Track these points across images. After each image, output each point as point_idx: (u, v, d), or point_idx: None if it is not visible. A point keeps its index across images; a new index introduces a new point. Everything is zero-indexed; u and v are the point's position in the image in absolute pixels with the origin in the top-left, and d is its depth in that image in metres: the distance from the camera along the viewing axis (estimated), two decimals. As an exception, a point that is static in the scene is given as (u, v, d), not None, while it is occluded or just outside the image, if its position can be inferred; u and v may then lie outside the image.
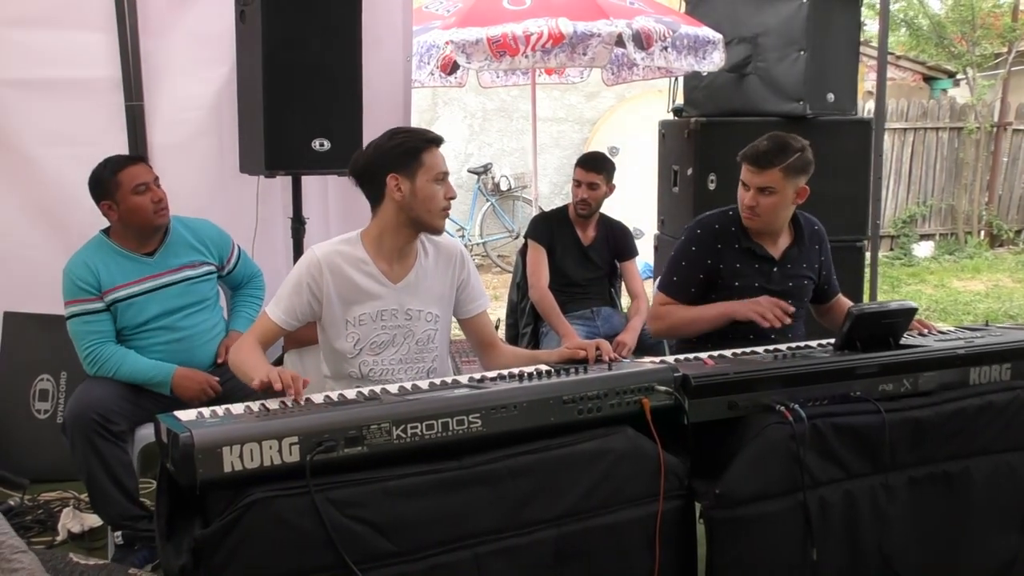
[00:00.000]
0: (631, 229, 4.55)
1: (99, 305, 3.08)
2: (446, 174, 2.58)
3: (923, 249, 10.63)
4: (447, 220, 2.65)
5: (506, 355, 2.77)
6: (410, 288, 2.63)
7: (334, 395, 2.14)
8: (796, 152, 2.98)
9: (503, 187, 9.99)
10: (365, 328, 2.59)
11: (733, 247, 3.12)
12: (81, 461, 2.94)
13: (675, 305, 3.16)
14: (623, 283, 4.53)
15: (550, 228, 4.35)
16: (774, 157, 2.97)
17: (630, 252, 4.46)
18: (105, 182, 3.10)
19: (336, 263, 2.55)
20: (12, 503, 3.53)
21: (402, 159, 2.53)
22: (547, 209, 4.97)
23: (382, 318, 2.60)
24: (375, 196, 2.59)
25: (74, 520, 3.39)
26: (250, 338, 2.55)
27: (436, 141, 2.58)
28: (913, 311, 2.69)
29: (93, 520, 3.37)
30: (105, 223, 3.20)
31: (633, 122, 9.60)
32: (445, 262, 2.71)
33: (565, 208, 4.44)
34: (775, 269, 3.14)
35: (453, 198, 2.59)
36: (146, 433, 3.09)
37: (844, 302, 3.36)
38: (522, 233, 4.68)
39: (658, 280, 3.33)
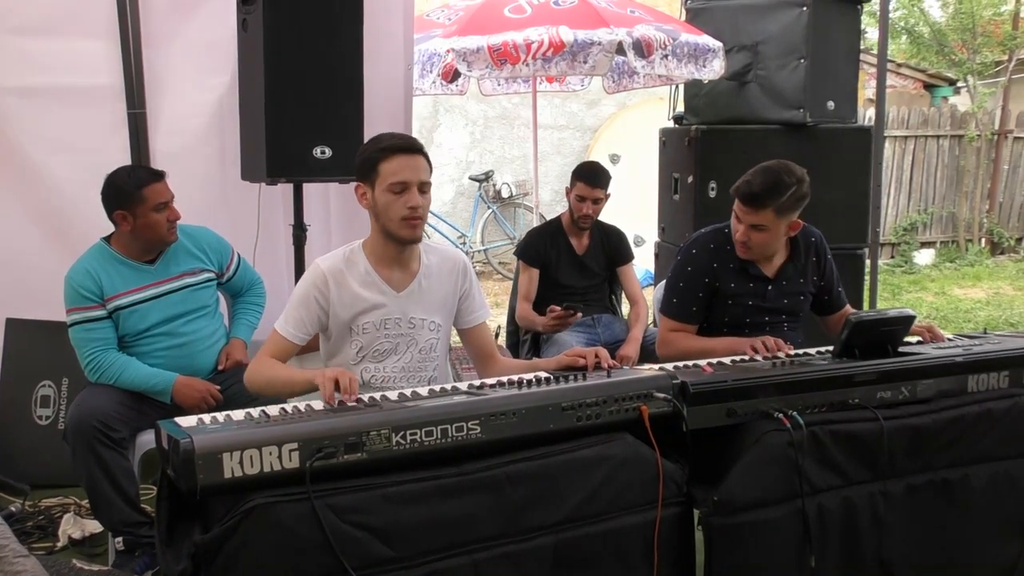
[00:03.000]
0: (632, 237, 4.55)
1: (101, 313, 3.10)
2: (405, 184, 2.47)
3: (924, 257, 10.63)
4: (417, 229, 2.54)
5: (504, 366, 2.76)
6: (413, 297, 2.64)
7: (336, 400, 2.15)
8: (790, 189, 2.89)
9: (504, 194, 10.00)
10: (368, 336, 2.60)
11: (728, 265, 3.11)
12: (82, 468, 2.95)
13: (682, 332, 3.13)
14: (622, 289, 4.53)
15: (542, 244, 4.35)
16: (767, 198, 2.89)
17: (626, 256, 4.46)
18: (128, 194, 3.08)
19: (340, 275, 2.57)
20: (13, 509, 3.53)
21: (363, 169, 2.53)
22: (548, 216, 4.98)
23: (385, 327, 2.60)
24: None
25: (75, 526, 3.39)
26: (263, 356, 2.56)
27: (394, 149, 2.49)
28: (911, 319, 2.70)
29: (94, 526, 3.37)
30: (105, 230, 3.21)
31: (634, 130, 9.62)
32: (448, 272, 2.71)
33: (558, 219, 4.44)
34: (770, 288, 3.13)
35: (414, 208, 2.48)
36: (147, 439, 3.10)
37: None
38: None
39: (659, 301, 3.28)
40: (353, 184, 2.60)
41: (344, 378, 2.16)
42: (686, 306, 3.13)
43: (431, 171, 2.58)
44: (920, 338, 2.90)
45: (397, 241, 2.56)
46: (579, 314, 4.06)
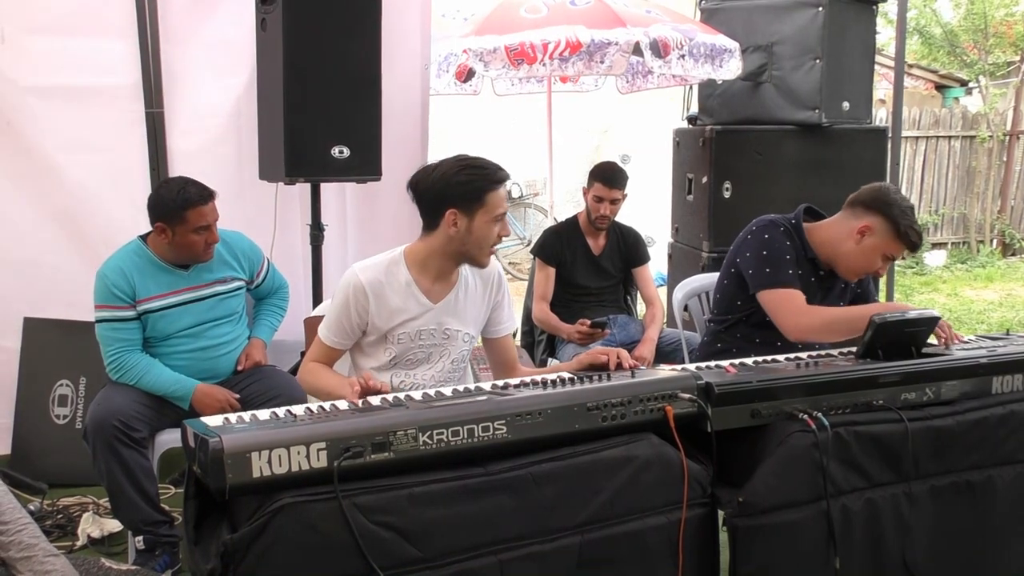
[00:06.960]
0: (644, 237, 4.55)
1: (130, 313, 3.09)
2: (504, 213, 2.54)
3: (935, 258, 10.59)
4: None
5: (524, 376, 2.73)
6: (449, 308, 2.64)
7: (360, 401, 2.15)
8: None
9: (515, 195, 9.99)
10: (403, 346, 2.60)
11: (798, 253, 3.05)
12: (103, 468, 2.96)
13: (815, 305, 3.01)
14: (637, 290, 4.53)
15: (559, 243, 4.35)
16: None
17: (642, 258, 4.45)
18: (171, 212, 3.05)
19: (379, 288, 2.56)
20: (32, 508, 3.53)
21: (466, 197, 2.48)
22: (560, 217, 4.97)
23: (420, 337, 2.61)
24: (431, 222, 2.55)
25: (94, 525, 3.40)
26: (309, 362, 2.60)
27: (500, 180, 2.52)
28: (935, 320, 2.68)
29: (113, 525, 3.38)
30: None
31: (645, 130, 9.60)
32: (483, 283, 2.72)
33: (575, 218, 4.44)
34: (826, 285, 3.09)
35: (507, 236, 2.58)
36: (166, 439, 3.11)
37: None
38: (534, 240, 4.69)
39: (763, 279, 3.01)
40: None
41: (349, 390, 2.19)
42: (797, 276, 3.01)
43: None
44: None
45: (469, 263, 2.60)
46: (607, 331, 4.04)
